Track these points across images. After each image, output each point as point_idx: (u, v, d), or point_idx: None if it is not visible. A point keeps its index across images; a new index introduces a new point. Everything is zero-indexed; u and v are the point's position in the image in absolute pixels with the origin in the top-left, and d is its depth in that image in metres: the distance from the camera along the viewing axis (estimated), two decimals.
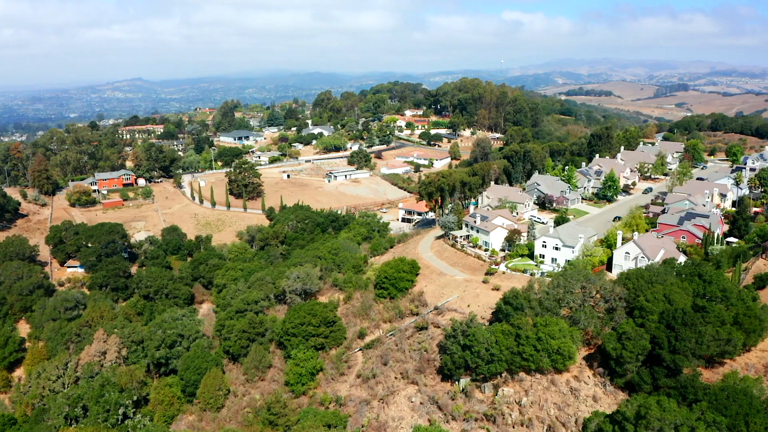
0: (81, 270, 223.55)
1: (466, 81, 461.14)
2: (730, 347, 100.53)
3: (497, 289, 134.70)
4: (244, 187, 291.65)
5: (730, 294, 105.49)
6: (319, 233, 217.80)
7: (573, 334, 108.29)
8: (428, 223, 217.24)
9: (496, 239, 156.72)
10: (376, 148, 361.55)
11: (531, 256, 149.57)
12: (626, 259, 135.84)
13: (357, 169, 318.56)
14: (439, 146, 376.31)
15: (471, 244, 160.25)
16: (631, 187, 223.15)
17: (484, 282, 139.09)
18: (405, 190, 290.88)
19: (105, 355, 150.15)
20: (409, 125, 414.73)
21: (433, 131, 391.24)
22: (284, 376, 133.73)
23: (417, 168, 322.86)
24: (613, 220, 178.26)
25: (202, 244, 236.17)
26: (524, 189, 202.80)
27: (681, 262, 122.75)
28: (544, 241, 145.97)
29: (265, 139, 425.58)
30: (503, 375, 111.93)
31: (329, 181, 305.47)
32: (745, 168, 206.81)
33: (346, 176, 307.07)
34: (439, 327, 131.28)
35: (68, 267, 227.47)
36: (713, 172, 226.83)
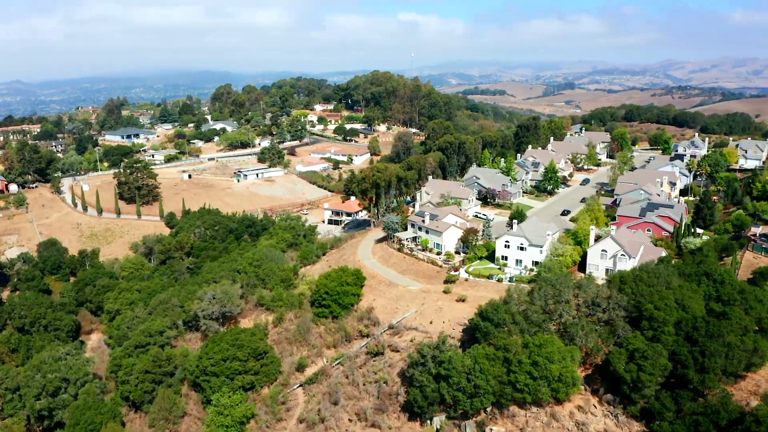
0: None
1: (378, 74, 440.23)
2: (757, 358, 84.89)
3: (463, 300, 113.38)
4: (137, 189, 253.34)
5: (749, 295, 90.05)
6: (233, 241, 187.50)
7: (573, 354, 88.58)
8: (360, 225, 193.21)
9: (450, 240, 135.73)
10: (288, 144, 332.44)
11: (491, 258, 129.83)
12: (603, 257, 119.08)
13: (270, 166, 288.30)
14: (356, 142, 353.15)
15: (420, 247, 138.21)
16: (568, 178, 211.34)
17: (445, 292, 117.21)
18: (325, 188, 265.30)
19: None
20: (321, 120, 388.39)
21: (347, 126, 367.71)
22: (204, 427, 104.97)
23: (336, 165, 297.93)
24: (562, 214, 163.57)
25: (87, 261, 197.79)
26: (462, 184, 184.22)
27: (674, 261, 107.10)
28: (506, 241, 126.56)
29: (158, 137, 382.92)
30: (489, 410, 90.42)
31: (239, 180, 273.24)
32: (685, 155, 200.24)
33: (257, 175, 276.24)
34: (398, 351, 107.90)
35: None
36: (646, 161, 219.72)
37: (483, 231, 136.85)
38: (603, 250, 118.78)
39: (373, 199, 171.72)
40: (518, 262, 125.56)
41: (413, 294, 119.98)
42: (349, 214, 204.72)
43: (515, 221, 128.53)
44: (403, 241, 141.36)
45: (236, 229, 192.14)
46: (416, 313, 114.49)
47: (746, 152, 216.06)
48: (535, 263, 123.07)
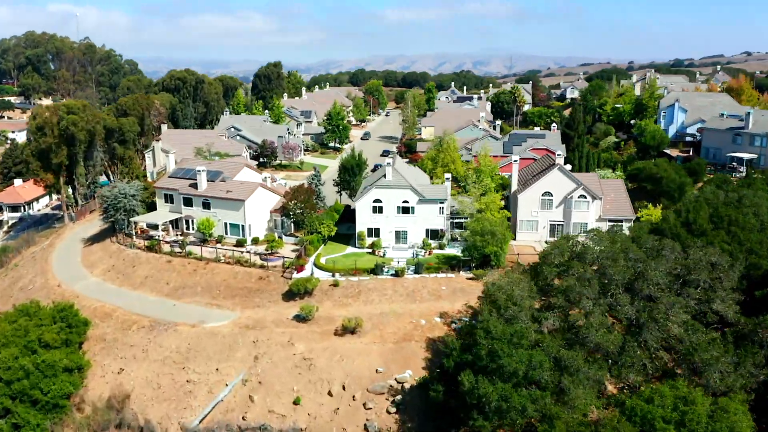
0: None
1: (34, 35, 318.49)
2: None
3: (353, 332, 50.66)
4: None
5: None
6: None
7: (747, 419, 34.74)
8: (40, 222, 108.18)
9: (257, 214, 69.47)
10: None
11: (344, 237, 68.83)
12: (545, 206, 68.97)
13: None
14: (9, 118, 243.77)
15: (200, 237, 68.49)
16: None
17: (302, 319, 52.34)
18: None
19: None
20: None
21: None
22: None
23: None
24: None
25: None
26: (226, 135, 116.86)
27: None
28: (377, 200, 66.90)
29: None
30: None
31: None
32: (472, 97, 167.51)
33: None
34: None
35: None
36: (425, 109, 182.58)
37: (314, 190, 74.19)
38: (546, 194, 68.53)
39: (64, 167, 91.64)
40: (400, 236, 67.22)
41: (223, 339, 51.66)
42: (15, 209, 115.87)
43: (388, 164, 68.98)
44: (155, 233, 69.27)
45: None
46: (249, 385, 47.26)
47: None
48: (437, 234, 66.64)
